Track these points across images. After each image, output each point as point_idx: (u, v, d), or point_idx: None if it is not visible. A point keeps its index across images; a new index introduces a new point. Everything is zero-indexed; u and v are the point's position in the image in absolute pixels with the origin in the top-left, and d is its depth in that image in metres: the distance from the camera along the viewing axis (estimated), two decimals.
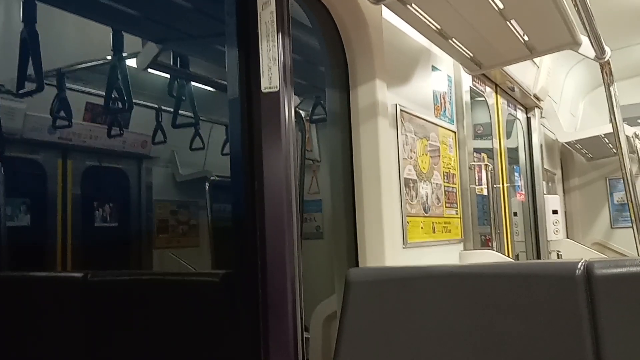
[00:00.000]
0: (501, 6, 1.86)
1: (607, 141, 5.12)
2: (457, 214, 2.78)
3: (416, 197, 2.38)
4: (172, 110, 4.55)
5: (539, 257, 4.14)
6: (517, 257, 3.84)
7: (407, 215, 2.28)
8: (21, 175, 4.69)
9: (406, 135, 2.35)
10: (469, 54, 2.36)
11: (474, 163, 2.97)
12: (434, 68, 2.72)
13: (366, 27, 2.13)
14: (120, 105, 3.82)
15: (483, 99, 3.49)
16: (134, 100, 3.85)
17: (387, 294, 1.43)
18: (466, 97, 2.98)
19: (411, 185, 2.35)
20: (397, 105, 2.30)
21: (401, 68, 2.41)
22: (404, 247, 2.24)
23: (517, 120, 4.23)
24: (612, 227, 6.15)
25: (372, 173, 2.14)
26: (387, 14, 2.25)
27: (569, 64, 5.27)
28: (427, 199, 2.47)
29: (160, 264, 5.66)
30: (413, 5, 1.86)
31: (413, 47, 2.53)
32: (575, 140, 5.49)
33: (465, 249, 2.81)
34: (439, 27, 2.05)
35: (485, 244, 3.25)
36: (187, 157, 5.76)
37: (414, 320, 1.37)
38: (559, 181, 5.71)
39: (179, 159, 5.91)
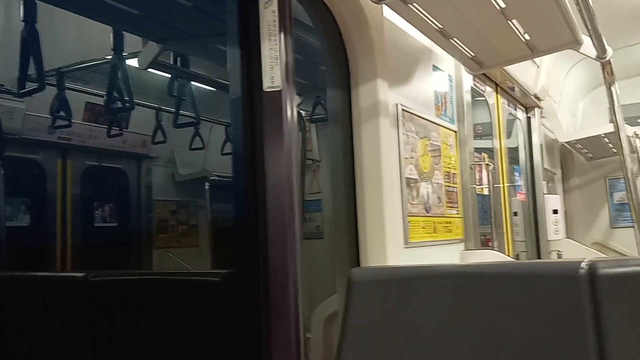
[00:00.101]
0: (503, 5, 1.86)
1: (607, 141, 5.13)
2: (458, 213, 2.78)
3: (417, 196, 2.38)
4: (171, 109, 4.55)
5: (539, 257, 4.14)
6: (517, 257, 3.84)
7: (408, 215, 2.28)
8: (21, 175, 4.69)
9: (407, 135, 2.34)
10: (470, 54, 2.36)
11: (474, 163, 2.96)
12: (435, 68, 2.71)
13: (367, 26, 2.13)
14: (119, 104, 3.82)
15: (483, 98, 3.49)
16: (133, 100, 3.85)
17: (389, 294, 1.43)
18: (467, 97, 2.98)
19: (412, 184, 2.34)
20: (399, 105, 2.29)
21: (402, 67, 2.41)
22: (405, 247, 2.24)
23: (517, 120, 4.23)
24: (611, 227, 6.15)
25: (374, 173, 2.14)
26: (388, 13, 2.24)
27: (569, 63, 5.28)
28: (428, 199, 2.47)
29: (160, 264, 5.66)
30: (415, 4, 1.86)
31: (414, 46, 2.53)
32: (575, 140, 5.49)
33: (466, 249, 2.81)
34: (440, 26, 2.05)
35: (485, 243, 3.25)
36: (187, 157, 5.76)
37: (416, 319, 1.37)
38: (559, 181, 5.71)
39: (179, 158, 5.91)
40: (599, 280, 1.15)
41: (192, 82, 4.28)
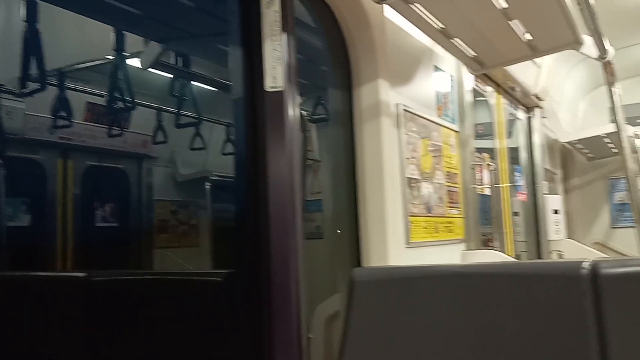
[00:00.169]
0: (504, 5, 1.86)
1: (608, 141, 5.12)
2: (459, 213, 2.78)
3: (418, 196, 2.38)
4: (172, 109, 4.55)
5: (540, 257, 4.14)
6: (518, 257, 3.84)
7: (409, 215, 2.28)
8: (21, 175, 4.69)
9: (408, 135, 2.34)
10: (471, 54, 2.36)
11: (475, 163, 2.96)
12: (436, 68, 2.71)
13: (369, 26, 2.13)
14: (120, 104, 3.82)
15: (484, 98, 3.49)
16: (134, 100, 3.85)
17: (391, 293, 1.43)
18: (468, 97, 2.98)
19: (413, 184, 2.34)
20: (400, 105, 2.29)
21: (404, 68, 2.41)
22: (406, 247, 2.24)
23: (518, 120, 4.23)
24: (612, 227, 6.15)
25: (375, 172, 2.14)
26: (390, 13, 2.24)
27: (570, 63, 5.27)
28: (429, 199, 2.47)
29: (160, 264, 5.66)
30: (416, 4, 1.86)
31: (416, 46, 2.53)
32: (576, 140, 5.49)
33: (467, 249, 2.81)
34: (442, 26, 2.05)
35: (486, 243, 3.25)
36: (188, 157, 5.76)
37: (418, 319, 1.37)
38: (560, 181, 5.71)
39: (179, 158, 5.91)
40: (600, 281, 1.15)
41: (193, 82, 4.29)
